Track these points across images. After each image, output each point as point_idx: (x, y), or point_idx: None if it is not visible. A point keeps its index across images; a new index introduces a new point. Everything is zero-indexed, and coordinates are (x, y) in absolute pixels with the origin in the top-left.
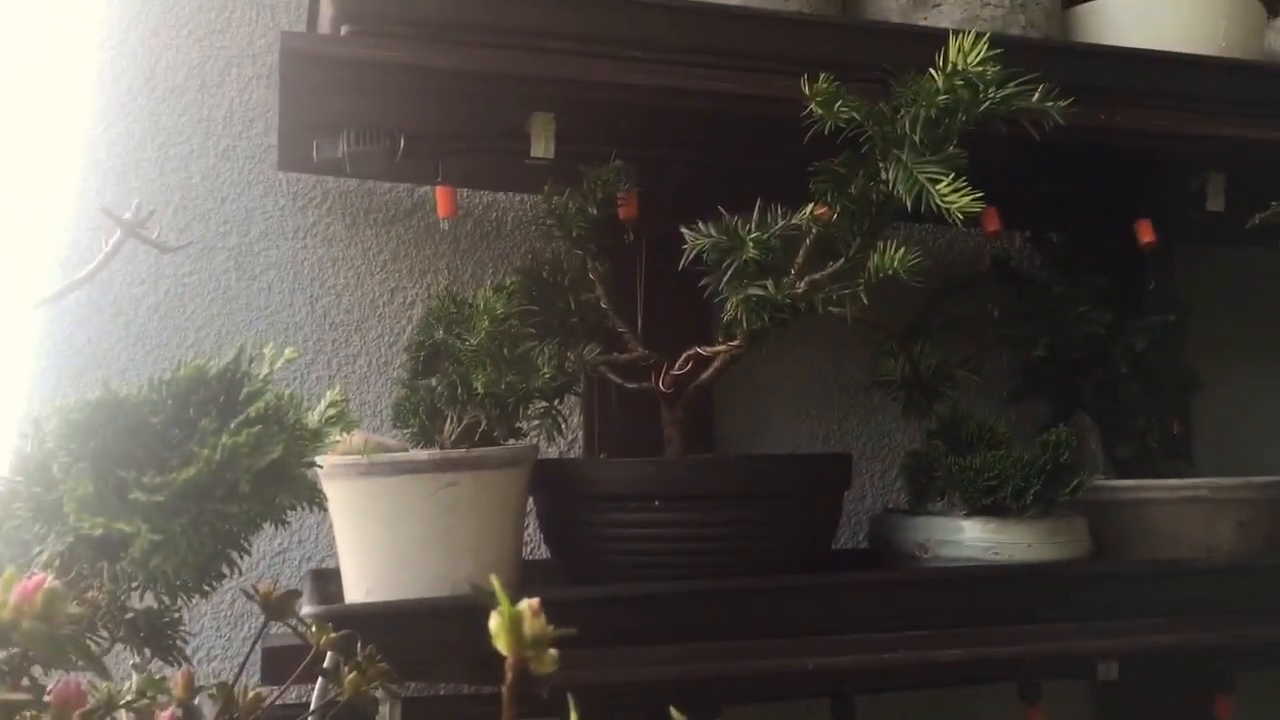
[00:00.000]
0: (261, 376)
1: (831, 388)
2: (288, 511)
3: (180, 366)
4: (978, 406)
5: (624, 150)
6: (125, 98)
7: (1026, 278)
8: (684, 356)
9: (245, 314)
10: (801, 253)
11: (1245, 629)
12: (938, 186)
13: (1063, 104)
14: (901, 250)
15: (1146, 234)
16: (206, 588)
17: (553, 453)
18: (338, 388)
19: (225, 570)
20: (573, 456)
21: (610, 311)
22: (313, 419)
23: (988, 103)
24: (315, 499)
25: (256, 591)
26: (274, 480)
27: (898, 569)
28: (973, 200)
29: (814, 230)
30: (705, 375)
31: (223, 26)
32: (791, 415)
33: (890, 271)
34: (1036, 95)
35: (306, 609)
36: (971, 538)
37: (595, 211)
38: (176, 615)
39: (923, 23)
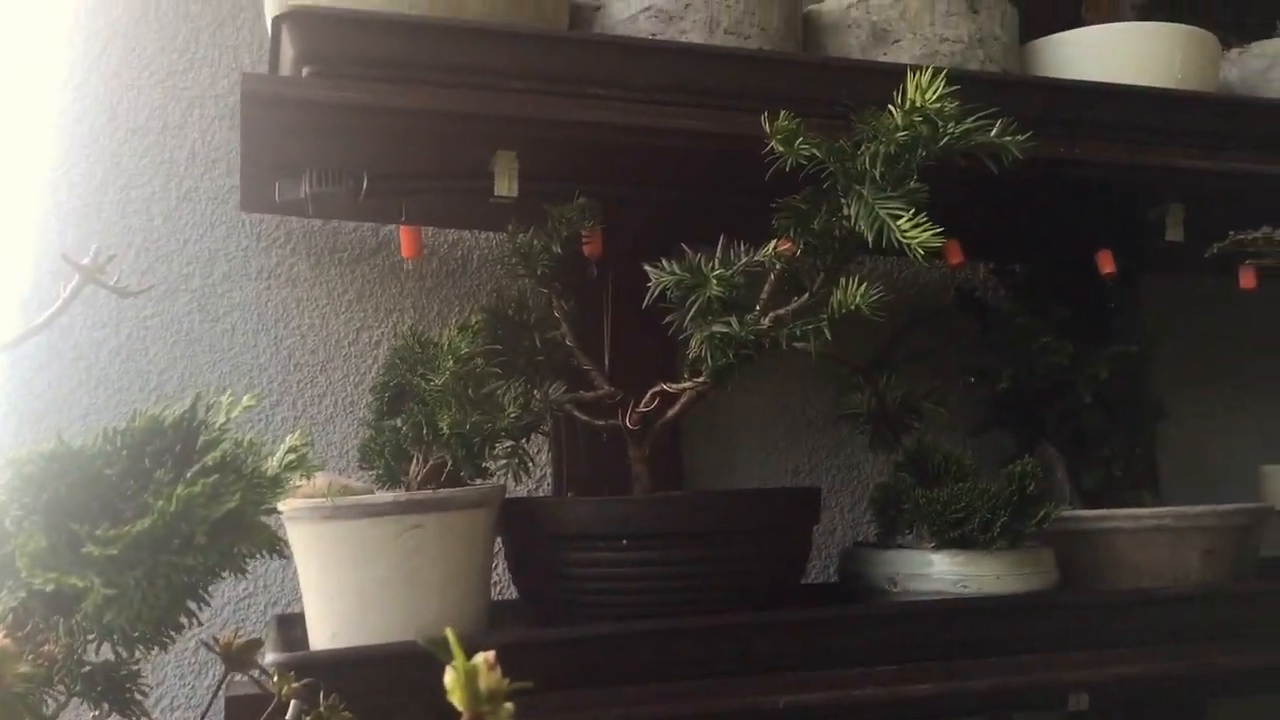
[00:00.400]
0: (218, 425)
1: (799, 421)
2: (248, 560)
3: (135, 416)
4: (945, 438)
5: (588, 187)
6: (87, 139)
7: (991, 309)
8: (650, 394)
9: (208, 356)
10: (766, 288)
11: (1214, 657)
12: (898, 222)
13: (1020, 138)
14: (864, 286)
15: (1107, 265)
16: (165, 639)
17: (521, 491)
18: (299, 431)
19: (184, 621)
20: (541, 495)
21: (576, 349)
22: (273, 465)
23: (947, 138)
24: (275, 547)
25: (217, 642)
26: (231, 530)
27: (867, 603)
28: (933, 235)
29: (778, 266)
30: (672, 412)
31: (185, 67)
32: (760, 449)
33: (853, 307)
34: (995, 130)
35: (269, 657)
36: (940, 571)
37: (559, 249)
38: (135, 668)
39: (883, 59)
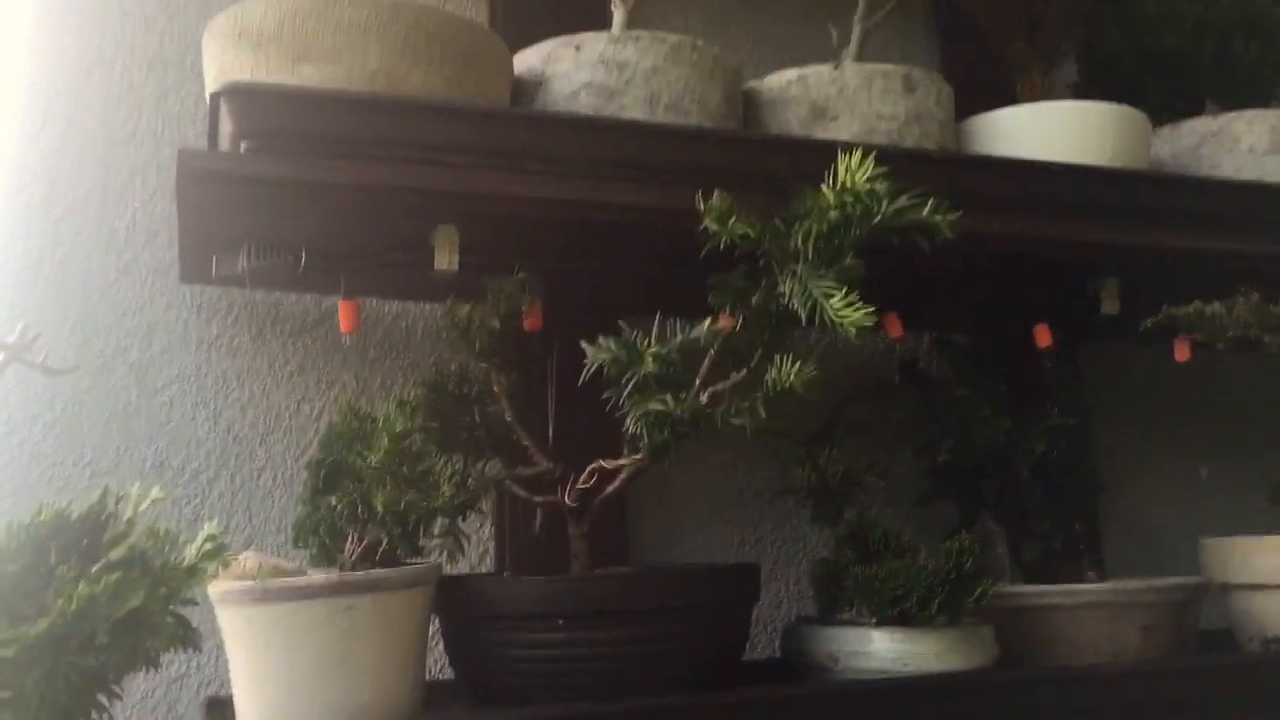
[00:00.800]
0: (126, 519)
1: (745, 493)
2: (159, 654)
3: (41, 510)
4: (891, 509)
5: (529, 261)
6: (24, 213)
7: (933, 381)
8: (587, 470)
9: (145, 430)
10: (706, 364)
11: None
12: (831, 301)
13: (951, 217)
14: (798, 364)
15: (1044, 338)
16: None
17: (464, 567)
18: (216, 520)
19: (95, 715)
20: (484, 571)
21: (515, 424)
22: (190, 554)
23: (880, 217)
24: (188, 642)
25: None
26: (135, 628)
27: (806, 683)
28: (865, 315)
29: (717, 342)
30: (610, 488)
31: (127, 138)
32: (706, 522)
33: (787, 385)
34: (927, 209)
35: None
36: (881, 649)
37: (498, 325)
38: None
39: (822, 135)
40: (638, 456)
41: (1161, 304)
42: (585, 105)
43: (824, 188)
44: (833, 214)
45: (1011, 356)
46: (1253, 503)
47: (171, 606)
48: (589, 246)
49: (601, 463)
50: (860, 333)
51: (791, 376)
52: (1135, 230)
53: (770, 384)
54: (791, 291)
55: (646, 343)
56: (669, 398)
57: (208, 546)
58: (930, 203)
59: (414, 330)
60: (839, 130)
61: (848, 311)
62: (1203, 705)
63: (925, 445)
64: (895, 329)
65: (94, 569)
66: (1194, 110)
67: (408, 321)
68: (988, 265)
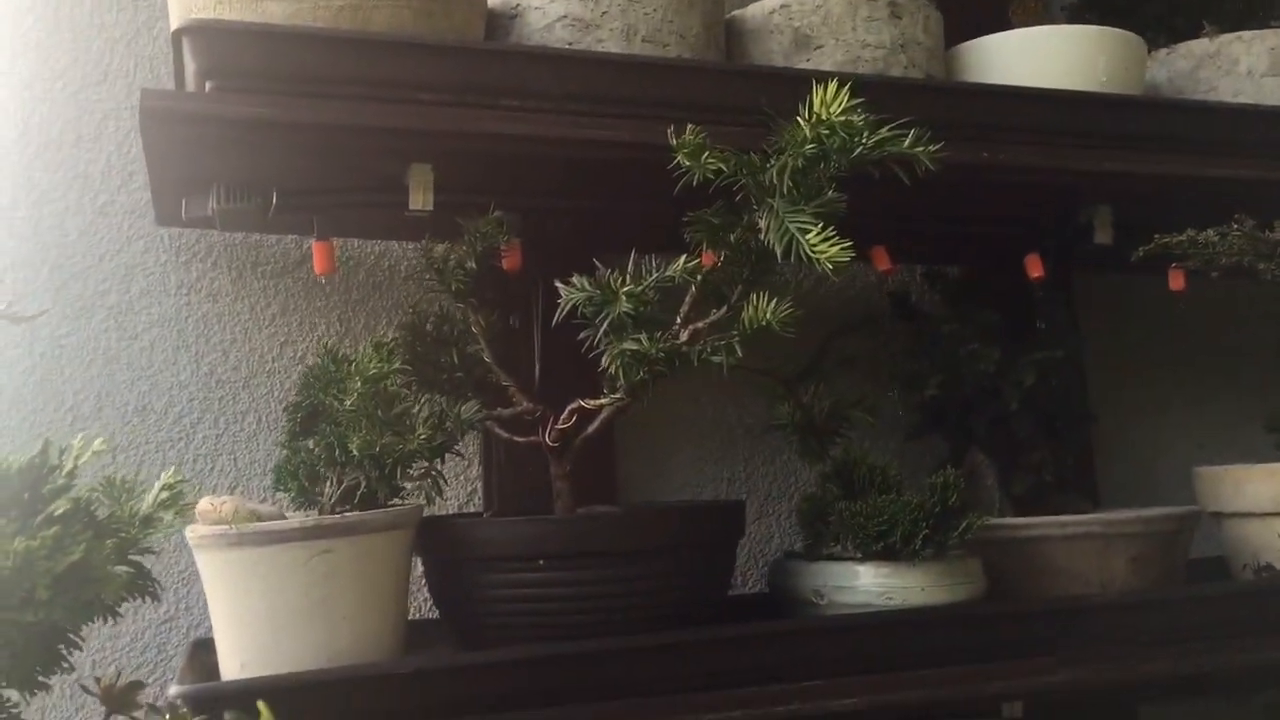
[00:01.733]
0: (66, 471)
1: (735, 429)
2: (119, 604)
3: None
4: (883, 444)
5: (507, 199)
6: None
7: (924, 314)
8: (567, 410)
9: (126, 375)
10: (687, 301)
11: (1140, 664)
12: (807, 236)
13: (932, 148)
14: (774, 302)
15: (1035, 269)
16: (42, 679)
17: (453, 506)
18: (174, 469)
19: (66, 664)
20: (472, 511)
21: (494, 365)
22: (146, 503)
23: (860, 149)
24: (146, 590)
25: (97, 683)
26: (79, 582)
27: (789, 619)
28: (841, 250)
29: (699, 279)
30: (592, 428)
31: (99, 79)
32: (695, 458)
33: (764, 323)
34: (908, 140)
35: (174, 688)
36: (866, 583)
37: (475, 264)
38: (15, 710)
39: (805, 65)
40: (617, 396)
41: (1155, 233)
42: (560, 38)
43: (799, 120)
44: (809, 147)
45: (1003, 288)
46: (1249, 431)
47: (131, 556)
48: (568, 184)
49: (581, 402)
50: (839, 269)
51: (768, 314)
52: (1129, 158)
53: (747, 322)
54: (768, 227)
55: (621, 281)
56: (644, 337)
57: (164, 495)
58: (911, 134)
59: (397, 270)
60: (823, 59)
61: (824, 247)
62: (1192, 634)
63: (913, 379)
64: (883, 262)
65: (36, 522)
66: (1192, 32)
67: (391, 261)
68: (978, 196)
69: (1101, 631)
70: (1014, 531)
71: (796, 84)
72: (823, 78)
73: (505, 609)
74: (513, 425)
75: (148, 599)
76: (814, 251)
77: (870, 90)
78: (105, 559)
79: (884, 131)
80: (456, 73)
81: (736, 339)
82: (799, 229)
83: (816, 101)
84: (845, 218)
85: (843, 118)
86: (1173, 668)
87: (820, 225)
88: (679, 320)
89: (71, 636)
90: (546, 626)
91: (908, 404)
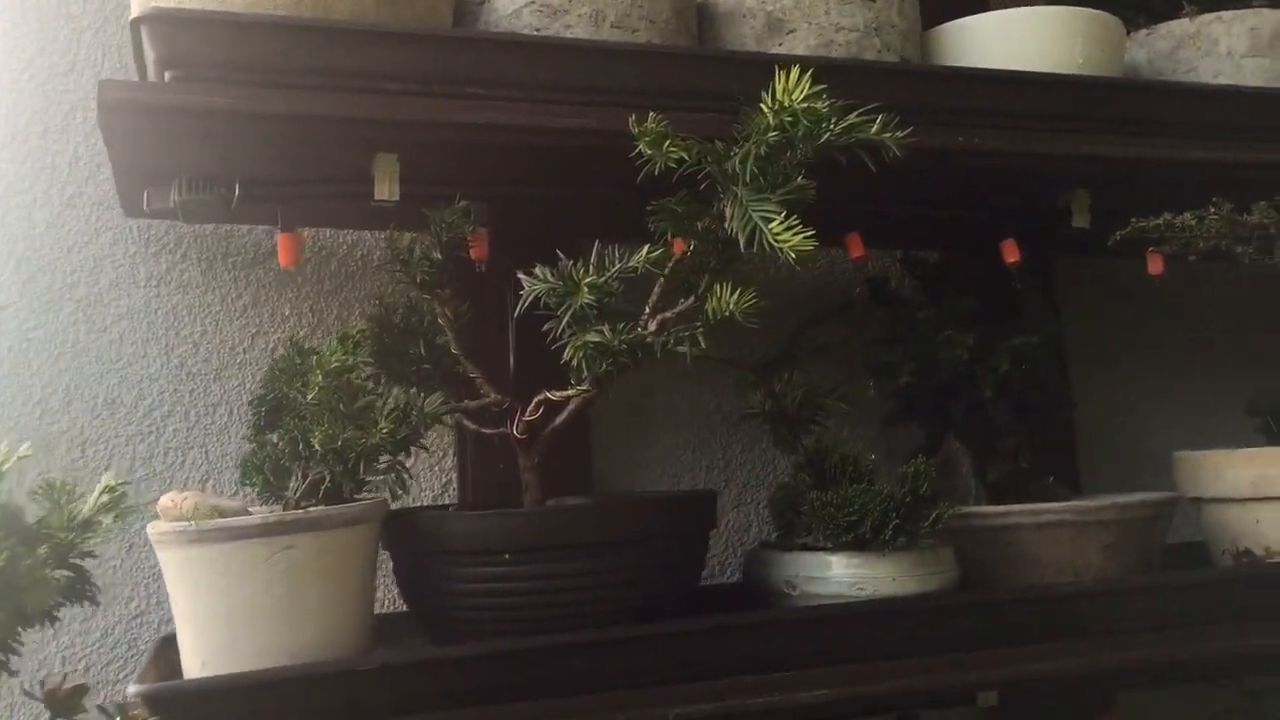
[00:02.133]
0: None
1: (714, 417)
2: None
3: None
4: (861, 431)
5: (476, 189)
6: None
7: (902, 300)
8: (534, 402)
9: (95, 368)
10: (656, 291)
11: (1114, 652)
12: (770, 225)
13: (900, 134)
14: (738, 293)
15: (1011, 254)
16: None
17: (427, 498)
18: (113, 469)
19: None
20: (447, 502)
21: (461, 356)
22: (87, 507)
23: (827, 135)
24: (85, 595)
25: (41, 687)
26: (3, 590)
27: (766, 608)
28: (805, 240)
29: (666, 269)
30: (560, 420)
31: (66, 69)
32: (674, 447)
33: (728, 314)
34: (877, 125)
35: (132, 687)
36: (838, 574)
37: (440, 255)
38: None
39: (778, 50)
40: (584, 387)
41: (1135, 216)
42: (528, 24)
43: (763, 107)
44: (772, 135)
45: (981, 274)
46: (1234, 415)
47: (72, 560)
48: (537, 173)
49: (548, 394)
50: (803, 258)
51: (731, 305)
52: (1106, 141)
53: (710, 312)
54: (733, 216)
55: (584, 272)
56: (607, 328)
57: (104, 499)
58: (879, 120)
59: (369, 260)
60: (795, 44)
61: (787, 236)
62: (1169, 621)
63: (888, 366)
64: (857, 249)
65: None
66: (1172, 12)
67: (364, 251)
68: (955, 181)
69: (1076, 620)
70: (987, 520)
71: (767, 69)
72: (788, 63)
73: (472, 603)
74: (481, 417)
75: (85, 604)
76: (777, 240)
77: (841, 74)
78: (35, 566)
79: (852, 117)
80: (421, 61)
81: (700, 330)
82: (762, 218)
83: (779, 88)
84: (817, 204)
85: (805, 104)
86: (1149, 656)
87: (784, 214)
88: (648, 310)
89: (12, 644)
90: (514, 620)
91: (884, 391)
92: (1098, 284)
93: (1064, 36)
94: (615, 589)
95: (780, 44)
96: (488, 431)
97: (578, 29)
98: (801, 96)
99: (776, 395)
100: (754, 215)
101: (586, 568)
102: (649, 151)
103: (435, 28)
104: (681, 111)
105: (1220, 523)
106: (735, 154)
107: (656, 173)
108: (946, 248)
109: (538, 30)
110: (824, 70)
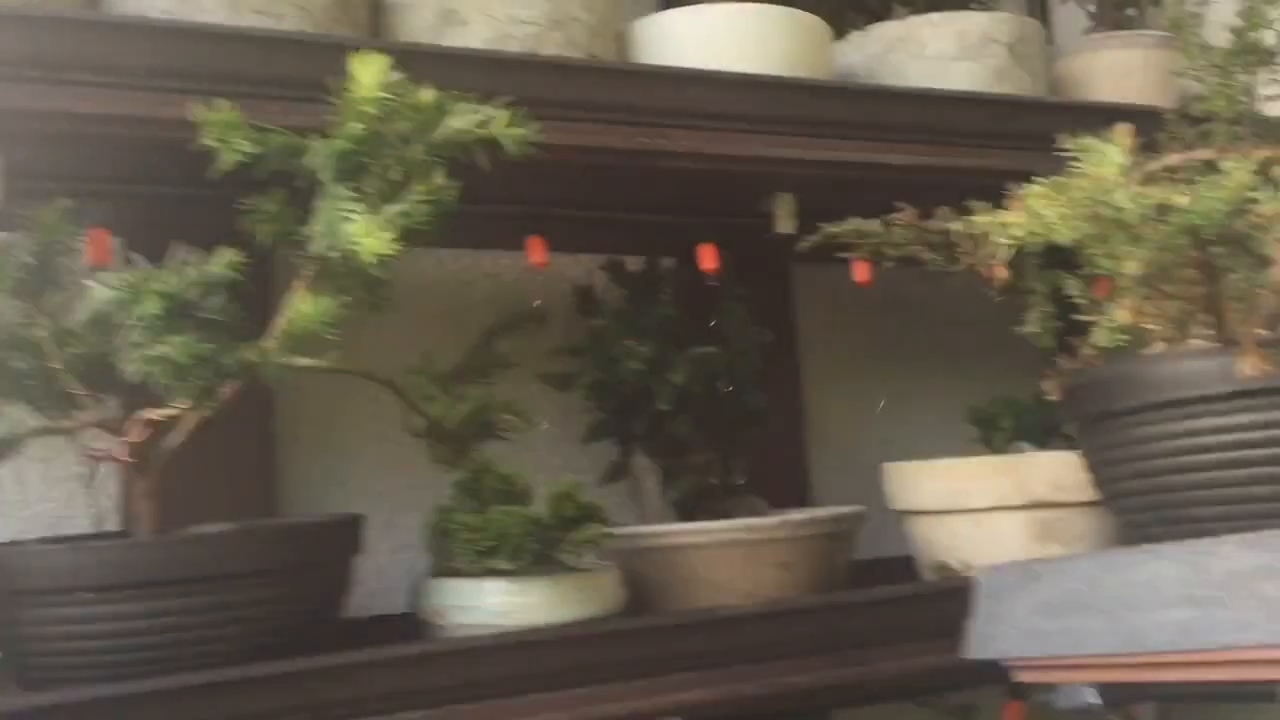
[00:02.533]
0: None
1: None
2: None
3: None
4: (564, 448)
5: (102, 187)
6: None
7: (606, 308)
8: (133, 423)
9: None
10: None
11: (785, 675)
12: (349, 227)
13: (522, 131)
14: (325, 303)
15: (708, 260)
16: None
17: (82, 528)
18: None
19: None
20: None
21: (63, 370)
22: None
23: (448, 131)
24: None
25: None
26: None
27: (420, 639)
28: (385, 243)
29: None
30: (176, 440)
31: None
32: (375, 464)
33: (311, 329)
34: (497, 121)
35: None
36: (489, 601)
37: (33, 260)
38: None
39: (450, 42)
40: (184, 404)
41: (842, 220)
42: (159, 7)
43: (344, 99)
44: (355, 128)
45: (681, 280)
46: (961, 426)
47: None
48: (166, 170)
49: (148, 414)
50: (380, 261)
51: (315, 316)
52: (809, 144)
53: (290, 324)
54: (319, 217)
55: (154, 279)
56: (177, 341)
57: None
58: (504, 114)
59: None
60: (469, 37)
61: (366, 239)
62: (854, 640)
63: (561, 380)
64: (538, 254)
65: None
66: (886, 12)
67: None
68: (660, 183)
69: (746, 642)
70: (657, 540)
71: (440, 61)
72: (356, 48)
73: (56, 646)
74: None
75: None
76: (353, 243)
77: (515, 70)
78: None
79: (481, 112)
80: (19, 44)
81: (281, 344)
82: (341, 218)
83: (358, 79)
84: (506, 206)
85: (386, 95)
86: (814, 680)
87: (369, 214)
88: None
89: None
90: (107, 665)
91: (586, 405)
92: (836, 293)
93: (761, 36)
94: (222, 627)
95: (454, 37)
96: (97, 456)
97: (215, 13)
98: (376, 88)
99: (425, 413)
100: (335, 215)
101: (190, 605)
102: (214, 143)
103: (38, 8)
104: (309, 103)
105: (920, 535)
106: (318, 148)
107: (224, 167)
108: (649, 253)
109: (170, 12)
110: (496, 65)
